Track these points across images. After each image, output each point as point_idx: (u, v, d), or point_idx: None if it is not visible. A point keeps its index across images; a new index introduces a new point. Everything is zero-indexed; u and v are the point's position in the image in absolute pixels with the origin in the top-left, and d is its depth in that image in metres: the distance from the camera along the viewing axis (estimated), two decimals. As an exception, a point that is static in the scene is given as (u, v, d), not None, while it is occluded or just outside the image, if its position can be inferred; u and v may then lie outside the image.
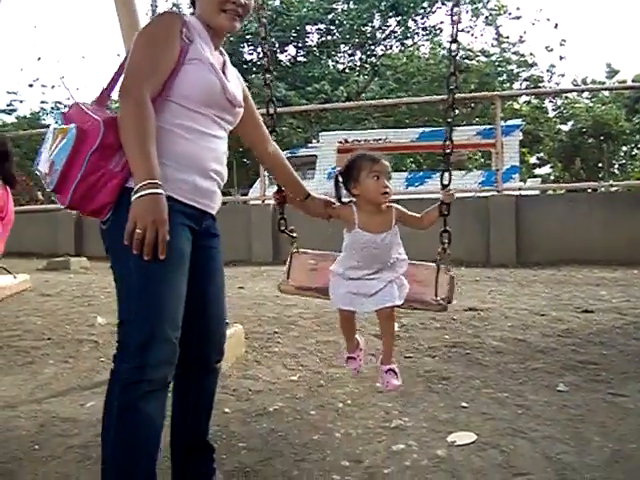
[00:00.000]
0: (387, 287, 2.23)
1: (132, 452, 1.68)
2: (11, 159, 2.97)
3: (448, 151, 2.29)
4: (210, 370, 2.01)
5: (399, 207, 2.29)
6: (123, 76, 1.75)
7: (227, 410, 2.83)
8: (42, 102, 24.26)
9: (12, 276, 3.57)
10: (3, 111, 23.87)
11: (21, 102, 31.96)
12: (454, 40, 2.30)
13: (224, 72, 1.90)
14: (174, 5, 21.74)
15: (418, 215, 2.31)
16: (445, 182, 2.28)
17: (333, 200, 2.32)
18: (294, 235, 2.47)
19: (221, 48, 1.97)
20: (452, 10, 2.29)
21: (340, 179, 2.30)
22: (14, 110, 24.71)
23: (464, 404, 2.81)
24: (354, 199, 2.27)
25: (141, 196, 1.58)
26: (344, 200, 2.30)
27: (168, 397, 1.81)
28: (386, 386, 2.34)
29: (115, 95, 1.86)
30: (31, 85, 27.84)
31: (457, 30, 2.28)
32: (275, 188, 2.42)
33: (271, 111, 2.44)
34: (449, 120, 2.32)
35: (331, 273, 2.32)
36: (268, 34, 2.46)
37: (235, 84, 1.96)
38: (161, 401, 1.73)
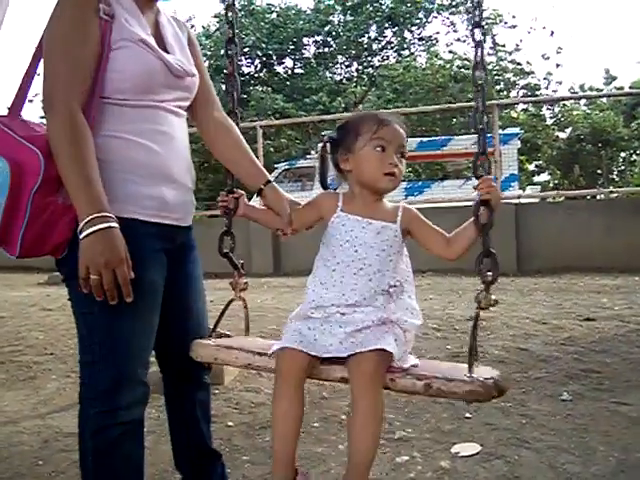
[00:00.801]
0: (377, 327, 1.39)
1: None
2: None
3: (482, 127, 1.45)
4: (200, 385, 1.88)
5: (412, 208, 1.53)
6: (42, 86, 1.44)
7: (230, 423, 2.83)
8: (41, 117, 24.36)
9: None
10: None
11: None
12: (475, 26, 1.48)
13: (162, 36, 1.59)
14: None
15: (445, 233, 1.49)
16: (480, 171, 1.43)
17: (300, 203, 1.66)
18: (239, 264, 1.74)
19: (157, 7, 1.64)
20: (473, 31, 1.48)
21: (328, 149, 1.55)
22: None
23: (468, 415, 2.80)
24: (342, 183, 1.56)
25: (88, 235, 1.34)
26: (330, 190, 1.57)
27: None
28: None
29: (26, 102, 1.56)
30: (31, 101, 27.84)
31: (482, 51, 1.48)
32: None
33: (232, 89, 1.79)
34: (480, 83, 1.46)
35: (288, 320, 1.55)
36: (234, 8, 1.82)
37: (179, 46, 1.64)
38: (137, 438, 1.58)
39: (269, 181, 1.71)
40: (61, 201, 1.41)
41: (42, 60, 1.49)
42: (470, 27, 1.50)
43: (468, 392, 1.30)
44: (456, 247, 1.47)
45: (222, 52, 20.71)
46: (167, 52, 1.58)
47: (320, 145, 1.58)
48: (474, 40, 1.47)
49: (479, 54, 1.46)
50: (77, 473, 2.35)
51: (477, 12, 1.48)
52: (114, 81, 1.46)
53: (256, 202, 1.83)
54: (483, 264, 1.39)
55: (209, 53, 20.84)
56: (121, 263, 1.36)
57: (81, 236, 1.35)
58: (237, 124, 1.79)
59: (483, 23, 1.49)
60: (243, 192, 1.72)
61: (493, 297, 1.38)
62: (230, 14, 1.78)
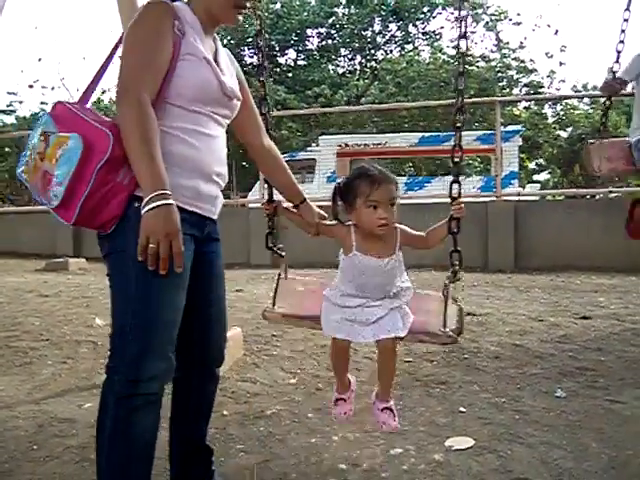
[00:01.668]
0: (389, 315, 1.95)
1: (126, 464, 1.65)
2: None
3: (457, 160, 2.02)
4: (211, 374, 2.00)
5: (404, 228, 2.01)
6: (118, 78, 1.63)
7: (225, 412, 2.84)
8: (42, 103, 24.19)
9: None
10: (3, 112, 23.85)
11: (21, 103, 32.02)
12: (462, 37, 2.03)
13: (217, 61, 1.81)
14: None
15: (423, 234, 2.04)
16: (454, 194, 1.99)
17: (325, 215, 2.13)
18: (282, 254, 2.26)
19: (215, 35, 1.88)
20: (459, 14, 2.03)
21: (338, 194, 2.01)
22: (14, 111, 24.71)
23: (462, 409, 2.82)
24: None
25: (152, 208, 1.51)
26: (340, 219, 2.04)
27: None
28: (381, 427, 2.12)
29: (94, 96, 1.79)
30: (31, 86, 27.78)
31: (465, 31, 2.02)
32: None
33: (264, 110, 2.23)
34: (458, 125, 2.03)
35: (324, 298, 2.05)
36: (264, 28, 2.31)
37: (230, 73, 1.87)
38: (155, 413, 1.69)
39: (305, 200, 2.11)
40: (119, 179, 1.59)
41: (120, 58, 1.68)
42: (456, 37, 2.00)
43: (442, 343, 2.08)
44: (431, 242, 2.02)
45: (225, 42, 20.67)
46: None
47: (332, 191, 2.03)
48: (459, 51, 2.02)
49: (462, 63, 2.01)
50: (71, 458, 2.40)
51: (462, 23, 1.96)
52: (177, 87, 1.68)
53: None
54: (453, 257, 2.02)
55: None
56: (177, 236, 1.54)
57: (146, 209, 1.51)
58: (275, 142, 2.16)
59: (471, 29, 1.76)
60: (280, 200, 2.16)
61: (457, 276, 2.02)
62: (260, 41, 2.24)
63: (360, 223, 1.94)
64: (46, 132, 1.63)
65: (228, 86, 1.79)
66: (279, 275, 2.27)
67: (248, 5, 1.83)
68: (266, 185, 2.22)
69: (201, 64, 1.71)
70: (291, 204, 2.14)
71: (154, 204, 1.51)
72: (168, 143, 1.65)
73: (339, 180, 2.08)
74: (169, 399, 1.94)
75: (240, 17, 1.84)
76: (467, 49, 2.04)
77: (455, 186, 1.99)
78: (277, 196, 2.19)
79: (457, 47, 2.05)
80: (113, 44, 1.81)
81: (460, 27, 2.01)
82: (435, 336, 2.01)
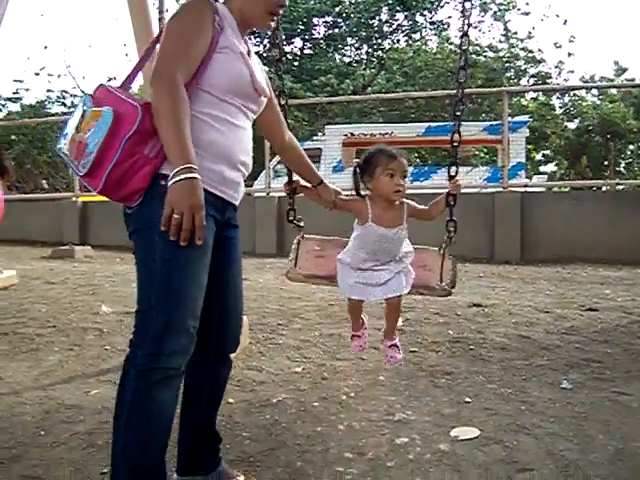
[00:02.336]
0: (395, 277, 2.29)
1: (144, 438, 1.69)
2: (1, 150, 2.97)
3: (456, 143, 2.35)
4: (225, 360, 2.03)
5: (411, 202, 2.33)
6: (156, 60, 1.72)
7: (231, 400, 2.84)
8: (48, 91, 24.16)
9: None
10: (9, 99, 23.83)
11: (27, 90, 31.90)
12: (464, 34, 2.31)
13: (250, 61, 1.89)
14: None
15: (426, 207, 2.36)
16: (452, 173, 2.32)
17: (341, 191, 2.36)
18: (301, 225, 2.48)
19: (245, 37, 1.96)
20: (464, 5, 2.27)
21: (358, 171, 2.31)
22: (20, 98, 24.68)
23: (467, 399, 2.82)
24: (369, 193, 2.28)
25: (178, 181, 1.56)
26: (361, 193, 2.30)
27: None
28: (389, 360, 2.52)
29: (135, 85, 1.86)
30: (37, 74, 27.81)
31: (468, 23, 2.32)
32: (283, 180, 2.40)
33: (282, 102, 2.37)
34: (457, 113, 2.36)
35: (338, 261, 2.35)
36: (280, 24, 2.37)
37: (260, 71, 1.95)
38: (175, 389, 1.73)
39: (322, 181, 2.31)
40: (146, 152, 1.65)
41: (160, 45, 1.76)
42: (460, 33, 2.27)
43: (437, 295, 2.41)
44: (433, 213, 2.34)
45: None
46: None
47: (352, 168, 2.33)
48: (461, 49, 2.32)
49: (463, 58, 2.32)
50: (78, 444, 2.41)
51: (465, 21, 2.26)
52: (211, 77, 1.74)
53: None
54: (448, 225, 2.33)
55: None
56: (201, 209, 1.59)
57: (172, 181, 1.57)
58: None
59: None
60: (298, 180, 2.36)
61: (452, 240, 2.34)
62: (280, 67, 2.44)
63: (378, 190, 2.24)
64: (86, 109, 1.73)
65: (259, 81, 1.87)
66: (299, 239, 2.51)
67: (281, 12, 1.90)
68: (286, 169, 2.43)
69: (237, 58, 1.79)
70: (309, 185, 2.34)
71: (181, 177, 1.56)
72: (197, 128, 1.70)
73: (356, 161, 2.36)
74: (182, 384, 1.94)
75: (272, 23, 1.92)
76: (469, 45, 2.34)
77: (453, 167, 2.31)
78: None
79: (460, 44, 2.32)
80: (154, 37, 1.93)
81: (464, 21, 2.29)
82: (432, 289, 2.36)
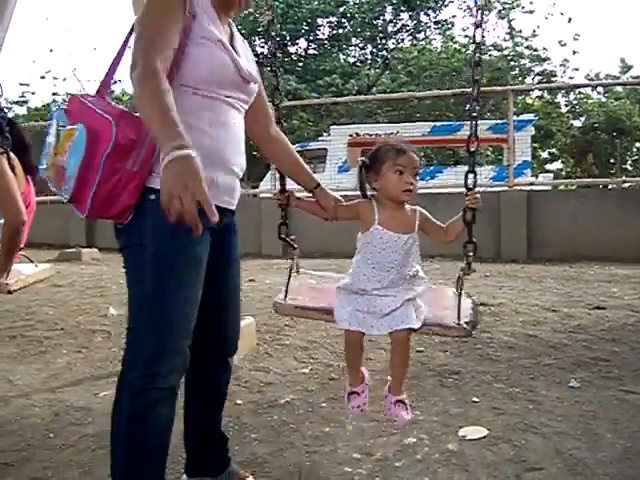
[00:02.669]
0: (403, 307, 1.93)
1: (144, 459, 1.65)
2: (29, 149, 3.00)
3: (473, 149, 1.99)
4: (225, 364, 2.00)
5: (424, 211, 2.03)
6: (132, 53, 1.58)
7: (239, 402, 2.85)
8: (54, 94, 24.30)
9: (34, 265, 3.60)
10: (15, 102, 23.97)
11: (33, 94, 32.07)
12: (476, 40, 2.09)
13: (233, 46, 1.76)
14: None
15: (442, 225, 2.03)
16: (470, 184, 1.96)
17: (342, 199, 2.08)
18: (295, 246, 2.22)
19: (229, 20, 1.82)
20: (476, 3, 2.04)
21: (364, 170, 2.01)
22: (26, 102, 24.83)
23: (475, 399, 2.82)
24: (375, 194, 2.01)
25: (169, 162, 1.36)
26: (367, 194, 2.02)
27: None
28: (391, 414, 2.09)
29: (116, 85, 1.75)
30: (43, 77, 27.92)
31: (481, 15, 2.06)
32: (289, 181, 2.17)
33: (277, 101, 2.21)
34: (474, 114, 2.04)
35: (337, 290, 2.03)
36: (275, 17, 2.24)
37: (246, 57, 1.83)
38: (170, 407, 1.68)
39: (318, 184, 2.06)
40: (129, 167, 1.55)
41: (134, 32, 1.64)
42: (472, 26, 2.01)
43: (456, 335, 2.03)
44: (450, 235, 2.01)
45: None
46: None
47: (357, 167, 2.03)
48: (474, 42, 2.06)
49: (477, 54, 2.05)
50: (87, 446, 2.42)
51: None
52: (192, 71, 1.62)
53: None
54: (467, 248, 1.99)
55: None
56: (201, 189, 1.35)
57: (164, 164, 1.36)
58: (284, 132, 2.10)
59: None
60: (292, 190, 2.12)
61: (471, 268, 2.00)
62: (272, 31, 2.21)
63: (385, 190, 1.95)
64: (58, 127, 1.63)
65: (245, 69, 1.75)
66: (291, 267, 2.23)
67: None
68: (278, 175, 2.21)
69: (216, 47, 1.66)
70: (305, 193, 2.10)
71: (172, 155, 1.36)
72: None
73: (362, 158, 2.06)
74: (182, 388, 1.95)
75: (251, 1, 1.79)
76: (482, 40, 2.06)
77: (470, 176, 1.96)
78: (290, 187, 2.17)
79: (473, 36, 2.07)
80: (126, 32, 1.77)
81: (476, 16, 2.04)
82: (449, 328, 1.98)
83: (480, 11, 2.05)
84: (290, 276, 2.21)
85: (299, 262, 2.27)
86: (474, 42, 2.08)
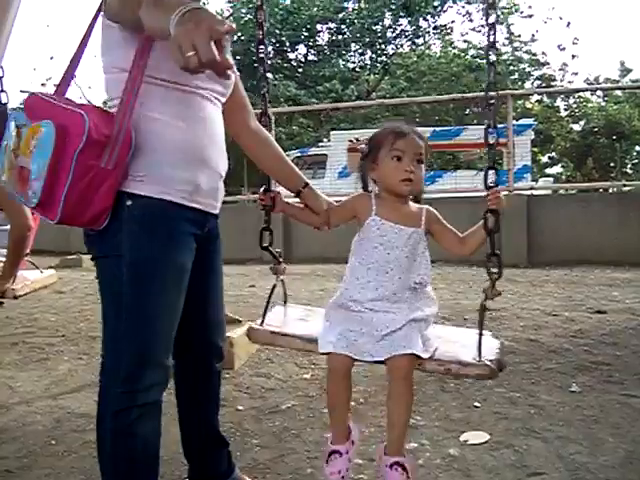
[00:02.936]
0: (406, 328, 1.60)
1: (132, 475, 1.58)
2: None
3: (492, 142, 1.72)
4: (212, 372, 1.92)
5: (434, 211, 1.74)
6: (108, 14, 1.45)
7: (240, 407, 2.85)
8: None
9: (39, 270, 3.62)
10: (15, 109, 24.03)
11: (33, 101, 32.18)
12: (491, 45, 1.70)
13: None
14: None
15: (459, 233, 1.72)
16: (490, 182, 1.65)
17: (335, 204, 1.85)
18: (280, 259, 1.95)
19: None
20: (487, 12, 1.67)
21: (364, 159, 1.76)
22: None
23: (477, 404, 2.81)
24: (376, 188, 1.74)
25: (177, 16, 1.15)
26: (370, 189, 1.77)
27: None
28: None
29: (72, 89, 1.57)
30: (44, 84, 27.86)
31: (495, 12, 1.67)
32: None
33: (263, 90, 1.93)
34: (491, 102, 1.77)
35: (326, 309, 1.75)
36: (264, 3, 1.92)
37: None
38: (155, 419, 1.60)
39: (307, 184, 1.83)
40: (103, 165, 1.40)
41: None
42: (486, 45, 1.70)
43: (478, 374, 1.61)
44: (469, 246, 1.70)
45: (235, 38, 20.66)
46: None
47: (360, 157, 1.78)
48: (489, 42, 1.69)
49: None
50: (89, 453, 2.41)
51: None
52: (162, 61, 1.45)
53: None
54: (490, 263, 1.63)
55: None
56: (221, 32, 1.12)
57: (172, 25, 1.16)
58: (269, 127, 1.89)
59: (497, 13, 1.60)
60: (279, 191, 1.85)
61: (498, 290, 1.65)
62: (260, 16, 1.88)
63: (382, 181, 1.69)
64: (18, 126, 1.49)
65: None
66: (273, 286, 1.91)
67: None
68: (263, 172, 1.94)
69: None
70: (292, 195, 1.87)
71: (179, 14, 1.16)
72: (159, 131, 1.49)
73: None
74: (173, 396, 1.94)
75: None
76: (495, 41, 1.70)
77: (491, 173, 1.66)
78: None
79: (487, 36, 1.70)
80: (88, 23, 1.60)
81: (488, 16, 1.68)
82: (467, 365, 1.59)
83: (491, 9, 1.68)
84: (271, 294, 1.89)
85: (285, 280, 1.96)
86: (487, 24, 1.68)
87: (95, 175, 1.39)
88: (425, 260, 1.70)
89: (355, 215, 1.73)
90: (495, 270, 1.63)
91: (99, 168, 1.40)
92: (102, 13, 1.54)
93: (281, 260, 1.93)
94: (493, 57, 1.69)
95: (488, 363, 1.58)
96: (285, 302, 2.02)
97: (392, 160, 1.65)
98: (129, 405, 1.52)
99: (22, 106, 1.53)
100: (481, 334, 1.64)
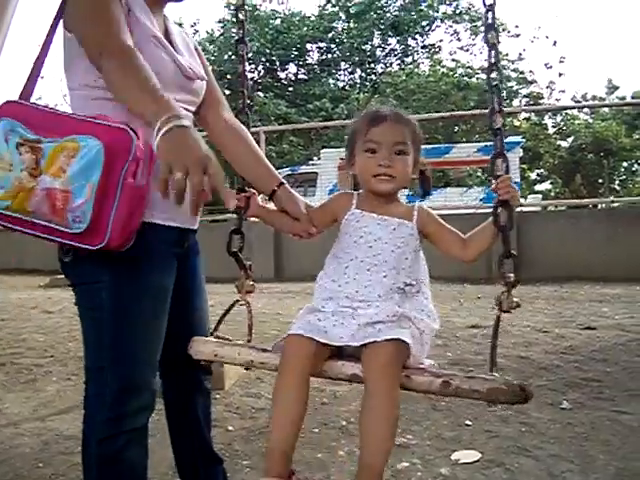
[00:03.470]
0: (389, 322, 1.33)
1: None
2: None
3: (498, 125, 1.49)
4: (201, 390, 1.87)
5: (429, 210, 1.51)
6: (86, 42, 1.37)
7: (230, 428, 2.83)
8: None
9: None
10: None
11: (24, 119, 32.13)
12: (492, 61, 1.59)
13: (170, 42, 1.56)
14: None
15: (461, 235, 1.47)
16: (499, 171, 1.41)
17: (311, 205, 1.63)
18: (250, 273, 1.71)
19: (164, 14, 1.62)
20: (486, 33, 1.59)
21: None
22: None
23: (468, 422, 2.81)
24: (345, 188, 1.56)
25: (169, 130, 1.16)
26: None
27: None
28: None
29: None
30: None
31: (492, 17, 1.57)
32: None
33: (242, 87, 1.78)
34: (494, 84, 1.57)
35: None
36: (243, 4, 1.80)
37: (188, 52, 1.63)
38: (142, 444, 1.55)
39: (282, 183, 1.63)
40: (138, 183, 1.31)
41: (80, 29, 1.40)
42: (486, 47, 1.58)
43: (490, 390, 1.25)
44: (473, 249, 1.45)
45: (226, 57, 20.81)
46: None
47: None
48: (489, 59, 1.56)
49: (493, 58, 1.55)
50: (77, 475, 2.38)
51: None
52: None
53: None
54: (504, 266, 1.37)
55: (212, 58, 20.91)
56: (211, 159, 1.15)
57: (161, 133, 1.17)
58: (247, 124, 1.74)
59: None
60: (255, 191, 1.64)
61: (515, 299, 1.35)
62: (240, 15, 1.75)
63: (359, 177, 1.49)
64: (27, 140, 1.32)
65: (186, 66, 1.54)
66: (234, 301, 1.69)
67: None
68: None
69: (151, 44, 1.46)
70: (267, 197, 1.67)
71: (171, 125, 1.17)
72: None
73: None
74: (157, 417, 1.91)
75: None
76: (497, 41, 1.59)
77: (499, 161, 1.42)
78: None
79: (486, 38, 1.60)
80: (50, 22, 1.49)
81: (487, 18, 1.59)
82: (476, 379, 1.29)
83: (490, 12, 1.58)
84: (227, 312, 1.68)
85: (250, 288, 1.70)
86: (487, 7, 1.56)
87: (134, 195, 1.31)
88: (419, 262, 1.46)
89: (335, 217, 1.51)
90: (511, 274, 1.36)
91: (136, 188, 1.31)
92: (62, 22, 1.47)
93: (250, 274, 1.67)
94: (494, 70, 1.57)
95: (506, 379, 1.28)
96: (250, 336, 1.68)
97: (366, 153, 1.43)
98: (116, 432, 1.47)
99: (7, 115, 1.34)
100: (494, 346, 1.37)
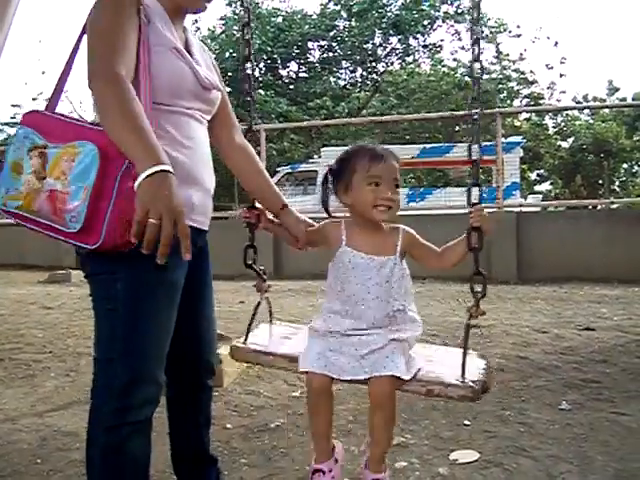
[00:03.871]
0: (388, 348, 1.57)
1: None
2: None
3: (475, 158, 1.72)
4: (203, 389, 1.93)
5: (410, 231, 1.70)
6: (87, 61, 1.44)
7: (229, 426, 2.83)
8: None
9: None
10: (7, 124, 23.98)
11: (24, 115, 32.14)
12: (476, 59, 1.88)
13: (189, 52, 1.65)
14: None
15: (437, 249, 1.69)
16: (474, 199, 1.63)
17: (312, 223, 1.83)
18: (265, 277, 1.89)
19: (184, 25, 1.71)
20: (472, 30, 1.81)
21: (329, 180, 1.72)
22: (18, 123, 24.82)
23: (466, 422, 2.80)
24: (346, 213, 1.71)
25: (149, 176, 1.25)
26: (331, 211, 1.75)
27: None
28: None
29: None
30: (35, 99, 27.92)
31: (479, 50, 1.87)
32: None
33: (245, 86, 1.93)
34: (475, 121, 1.85)
35: (309, 329, 1.73)
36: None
37: (205, 64, 1.72)
38: (145, 438, 1.60)
39: (285, 205, 1.83)
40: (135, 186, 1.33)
41: (86, 46, 1.49)
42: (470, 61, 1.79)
43: (461, 396, 1.57)
44: (447, 261, 1.68)
45: (227, 55, 20.79)
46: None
47: (322, 177, 1.76)
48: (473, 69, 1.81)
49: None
50: (75, 472, 2.38)
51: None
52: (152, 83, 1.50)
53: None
54: (474, 282, 1.61)
55: (214, 55, 20.86)
56: (182, 212, 1.26)
57: (141, 178, 1.26)
58: (255, 144, 1.91)
59: (484, 33, 1.62)
60: (263, 208, 1.83)
61: (482, 309, 1.63)
62: (247, 33, 1.90)
63: (357, 206, 1.64)
64: (36, 146, 1.43)
65: (204, 76, 1.64)
66: (258, 303, 1.88)
67: None
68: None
69: (171, 54, 1.56)
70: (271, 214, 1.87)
71: (151, 170, 1.26)
72: None
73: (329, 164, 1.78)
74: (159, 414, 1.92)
75: (207, 4, 1.67)
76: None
77: (474, 190, 1.64)
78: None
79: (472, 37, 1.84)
80: (77, 36, 1.59)
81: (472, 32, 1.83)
82: (450, 387, 1.56)
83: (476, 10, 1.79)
84: (255, 314, 1.88)
85: (270, 298, 1.93)
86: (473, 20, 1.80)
87: (130, 197, 1.33)
88: (404, 285, 1.67)
89: (325, 243, 1.73)
90: (479, 289, 1.61)
91: (132, 190, 1.32)
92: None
93: (265, 278, 1.89)
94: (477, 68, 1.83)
95: (471, 384, 1.55)
96: (270, 321, 2.00)
97: (369, 186, 1.60)
98: (121, 422, 1.52)
99: (19, 122, 1.51)
100: (465, 354, 1.60)
